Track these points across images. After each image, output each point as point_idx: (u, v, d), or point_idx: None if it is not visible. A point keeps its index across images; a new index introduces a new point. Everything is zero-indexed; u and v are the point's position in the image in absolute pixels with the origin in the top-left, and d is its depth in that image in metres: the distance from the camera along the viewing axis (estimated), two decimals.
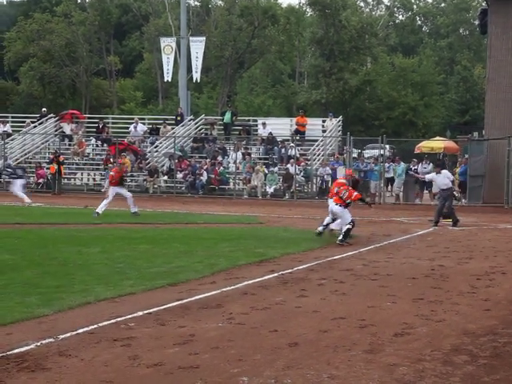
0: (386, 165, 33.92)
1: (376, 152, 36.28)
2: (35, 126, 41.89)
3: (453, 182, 23.42)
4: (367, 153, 39.08)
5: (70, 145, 40.75)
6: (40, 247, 16.77)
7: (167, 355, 8.47)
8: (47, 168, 36.77)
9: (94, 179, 38.48)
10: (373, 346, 8.86)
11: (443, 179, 23.57)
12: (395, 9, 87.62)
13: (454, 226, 23.14)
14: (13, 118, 45.59)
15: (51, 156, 37.06)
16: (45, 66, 64.92)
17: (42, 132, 41.57)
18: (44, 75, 65.22)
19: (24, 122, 43.48)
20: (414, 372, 7.87)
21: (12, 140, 40.70)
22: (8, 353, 8.40)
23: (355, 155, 36.11)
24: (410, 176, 31.12)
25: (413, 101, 63.78)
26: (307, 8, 70.77)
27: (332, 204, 19.24)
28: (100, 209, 24.70)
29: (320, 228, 19.48)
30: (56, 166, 35.63)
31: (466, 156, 33.43)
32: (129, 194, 25.65)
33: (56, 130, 42.16)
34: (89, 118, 47.33)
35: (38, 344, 8.82)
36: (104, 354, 8.47)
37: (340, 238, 18.45)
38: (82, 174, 39.01)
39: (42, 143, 41.13)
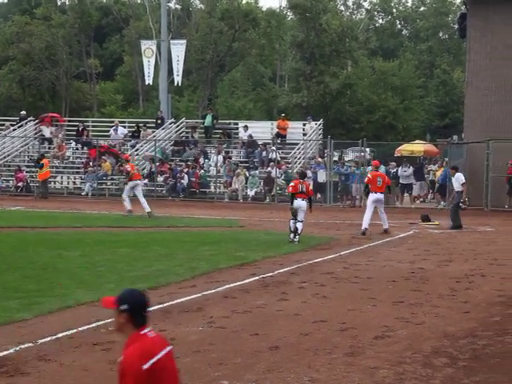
0: (369, 168, 34.00)
1: (356, 155, 36.39)
2: (14, 129, 41.64)
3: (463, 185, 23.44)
4: (348, 156, 39.19)
5: (49, 148, 40.54)
6: (20, 251, 16.67)
7: None
8: (27, 171, 36.48)
9: (74, 182, 38.29)
10: (353, 348, 8.89)
11: (455, 182, 23.81)
12: (375, 12, 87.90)
13: (453, 229, 23.22)
14: None
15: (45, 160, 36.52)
16: (24, 68, 64.50)
17: (22, 135, 41.34)
18: (23, 78, 64.79)
19: (3, 124, 43.21)
20: (395, 375, 7.90)
21: None
22: None
23: (336, 158, 36.18)
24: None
25: (393, 104, 63.99)
26: (288, 11, 70.89)
27: (378, 194, 21.77)
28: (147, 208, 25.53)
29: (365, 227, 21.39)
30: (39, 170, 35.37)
31: (446, 159, 33.59)
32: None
33: (36, 133, 41.94)
34: (69, 120, 47.09)
35: (17, 348, 8.77)
36: (84, 359, 8.44)
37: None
38: (61, 177, 38.80)
39: (22, 146, 40.90)
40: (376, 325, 10.06)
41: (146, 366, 4.29)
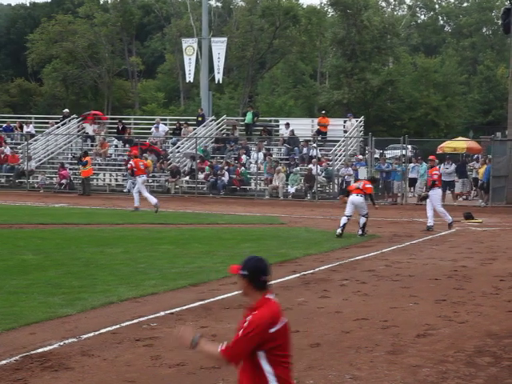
0: (411, 165, 33.79)
1: (398, 152, 36.11)
2: (58, 127, 42.14)
3: None
4: (389, 153, 38.90)
5: (92, 145, 40.95)
6: (63, 247, 16.87)
7: (189, 355, 8.48)
8: (70, 169, 36.84)
9: (116, 180, 38.62)
10: (395, 346, 8.83)
11: None
12: (417, 8, 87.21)
13: None
14: (36, 118, 45.90)
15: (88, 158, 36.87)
16: (67, 67, 65.31)
17: (65, 133, 41.82)
18: (67, 76, 65.60)
19: (47, 122, 43.76)
20: (437, 373, 7.84)
21: (35, 141, 40.96)
22: (32, 352, 8.46)
23: (377, 156, 35.96)
24: None
25: (435, 101, 63.44)
26: (329, 8, 70.64)
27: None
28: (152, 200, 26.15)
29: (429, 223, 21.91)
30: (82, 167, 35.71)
31: (489, 156, 33.19)
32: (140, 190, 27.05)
33: (79, 131, 42.39)
34: (111, 118, 47.55)
35: (61, 344, 8.87)
36: (126, 354, 8.51)
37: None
38: (104, 174, 39.17)
39: (65, 144, 41.36)
40: (418, 323, 9.98)
41: (272, 330, 4.67)
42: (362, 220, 20.17)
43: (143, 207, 26.93)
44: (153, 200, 26.28)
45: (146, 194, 26.94)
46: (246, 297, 4.93)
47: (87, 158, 35.81)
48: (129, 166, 28.07)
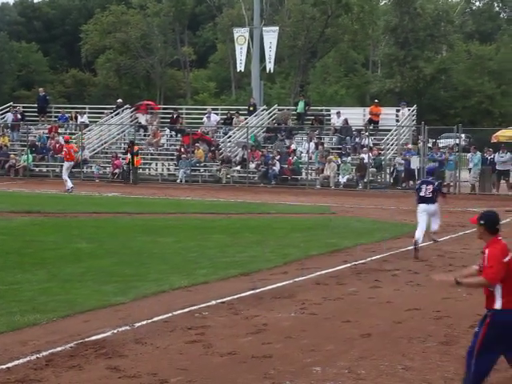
0: (469, 154, 33.35)
1: (451, 141, 35.65)
2: (111, 117, 42.59)
3: None
4: (442, 142, 38.44)
5: (145, 135, 41.30)
6: (116, 236, 17.09)
7: (240, 344, 8.55)
8: (123, 158, 37.33)
9: (168, 169, 38.91)
10: (448, 337, 8.76)
11: None
12: None
13: None
14: (90, 109, 46.41)
15: (127, 147, 37.57)
16: (121, 57, 65.86)
17: (119, 123, 42.25)
18: (120, 67, 66.17)
19: (101, 112, 44.25)
20: None
21: (89, 131, 41.47)
22: (86, 339, 8.61)
23: (430, 145, 35.54)
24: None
25: (489, 89, 62.35)
26: None
27: None
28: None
29: None
30: (130, 156, 36.11)
31: None
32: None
33: (131, 121, 42.78)
34: (163, 108, 47.85)
35: (115, 331, 9.01)
36: (178, 342, 8.60)
37: None
38: (156, 164, 39.47)
39: (118, 134, 41.79)
40: (471, 314, 9.85)
41: (505, 260, 6.40)
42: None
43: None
44: (68, 185, 29.80)
45: (65, 177, 30.35)
46: (480, 239, 6.76)
47: (137, 148, 36.38)
48: (63, 152, 32.30)
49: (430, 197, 15.86)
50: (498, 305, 6.52)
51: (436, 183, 16.49)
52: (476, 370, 6.43)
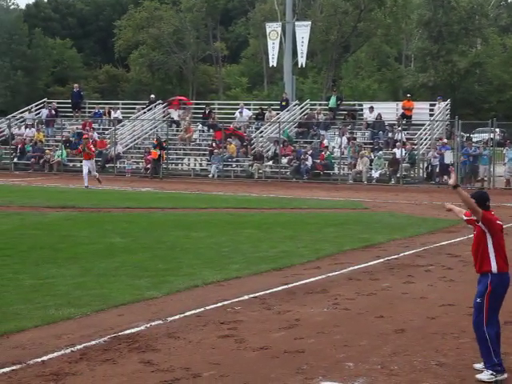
0: (504, 149, 32.97)
1: (485, 136, 35.28)
2: (144, 112, 42.82)
3: None
4: (476, 137, 38.05)
5: (177, 130, 41.45)
6: (149, 231, 17.18)
7: (273, 339, 8.55)
8: (149, 153, 37.42)
9: (200, 164, 39.02)
10: None
11: None
12: None
13: None
14: (123, 104, 46.71)
15: (154, 141, 37.71)
16: (153, 53, 66.17)
17: (151, 118, 42.44)
18: (153, 62, 66.50)
19: (134, 108, 44.50)
20: None
21: (122, 126, 41.70)
22: (119, 333, 8.68)
23: (464, 139, 35.22)
24: None
25: None
26: None
27: None
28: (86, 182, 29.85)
29: None
30: (159, 151, 36.25)
31: None
32: (85, 171, 30.14)
33: (164, 116, 42.95)
34: (195, 103, 47.97)
35: (148, 325, 9.06)
36: (211, 337, 8.63)
37: None
38: (188, 159, 39.60)
39: (151, 129, 41.98)
40: (506, 310, 9.72)
41: (498, 222, 7.59)
42: None
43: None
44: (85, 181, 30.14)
45: (85, 174, 30.34)
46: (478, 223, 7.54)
47: (164, 143, 36.84)
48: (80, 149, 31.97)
49: None
50: (493, 268, 7.49)
51: None
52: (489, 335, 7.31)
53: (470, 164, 33.06)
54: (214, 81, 72.13)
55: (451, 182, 7.65)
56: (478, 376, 7.22)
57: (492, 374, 7.15)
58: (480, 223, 7.48)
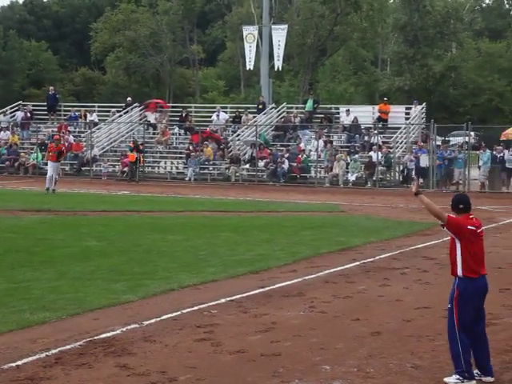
0: (479, 152, 33.22)
1: (460, 139, 35.54)
2: (120, 115, 42.64)
3: None
4: (451, 140, 38.32)
5: (154, 133, 41.33)
6: (125, 234, 17.11)
7: (249, 342, 8.55)
8: (126, 156, 37.23)
9: (176, 167, 38.94)
10: None
11: None
12: None
13: None
14: (99, 107, 46.48)
15: (131, 144, 37.55)
16: (130, 55, 65.93)
17: (128, 121, 42.30)
18: (129, 65, 66.25)
19: (110, 111, 44.31)
20: (501, 363, 7.75)
21: (98, 129, 41.52)
22: (95, 337, 8.63)
23: (439, 143, 35.45)
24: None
25: (500, 87, 62.21)
26: None
27: None
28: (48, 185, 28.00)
29: None
30: (136, 154, 36.10)
31: None
32: (50, 174, 28.09)
33: (141, 119, 42.81)
34: (172, 106, 47.89)
35: (124, 329, 9.02)
36: (187, 341, 8.60)
37: None
38: (165, 162, 39.49)
39: (127, 132, 41.83)
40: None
41: (469, 227, 7.46)
42: None
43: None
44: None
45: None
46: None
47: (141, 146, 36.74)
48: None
49: None
50: (459, 272, 7.50)
51: None
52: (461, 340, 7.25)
53: (445, 167, 33.29)
54: (190, 84, 72.04)
55: (413, 189, 7.82)
56: (446, 379, 7.26)
57: (458, 379, 7.17)
58: (445, 228, 7.51)
